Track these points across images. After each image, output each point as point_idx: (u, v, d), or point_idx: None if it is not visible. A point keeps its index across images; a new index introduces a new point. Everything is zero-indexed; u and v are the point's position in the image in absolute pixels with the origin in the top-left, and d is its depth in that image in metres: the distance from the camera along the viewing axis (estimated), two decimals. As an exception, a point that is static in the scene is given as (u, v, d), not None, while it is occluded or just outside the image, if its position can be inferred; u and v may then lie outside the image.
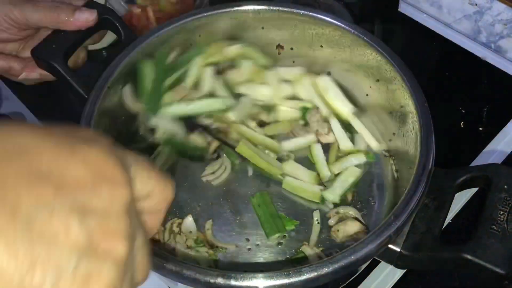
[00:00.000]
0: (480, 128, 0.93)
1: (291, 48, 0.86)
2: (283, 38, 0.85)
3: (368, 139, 0.82)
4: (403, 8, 1.12)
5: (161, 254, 0.58)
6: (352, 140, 0.83)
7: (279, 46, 0.86)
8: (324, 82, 0.84)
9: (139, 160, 0.36)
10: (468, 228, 0.80)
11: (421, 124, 0.69)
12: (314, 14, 0.80)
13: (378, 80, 0.79)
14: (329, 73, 0.86)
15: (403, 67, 0.74)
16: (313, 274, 0.56)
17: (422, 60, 1.05)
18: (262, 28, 0.84)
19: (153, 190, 0.37)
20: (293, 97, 0.87)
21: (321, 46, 0.84)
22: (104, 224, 0.30)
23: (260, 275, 0.56)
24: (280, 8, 0.81)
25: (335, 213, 0.74)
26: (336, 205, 0.76)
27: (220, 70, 0.85)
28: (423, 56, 1.06)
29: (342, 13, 1.04)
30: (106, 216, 0.30)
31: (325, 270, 0.56)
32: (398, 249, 0.61)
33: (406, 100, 0.72)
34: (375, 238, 0.59)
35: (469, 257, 0.57)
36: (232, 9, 0.81)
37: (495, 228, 0.59)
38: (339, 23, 0.79)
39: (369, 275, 0.75)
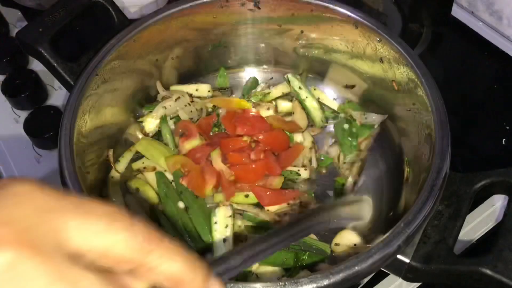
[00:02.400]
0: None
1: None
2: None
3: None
4: (456, 12, 1.06)
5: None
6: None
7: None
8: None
9: (92, 206, 0.32)
10: (487, 239, 0.73)
11: (436, 124, 0.63)
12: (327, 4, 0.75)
13: (393, 81, 0.73)
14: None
15: (420, 65, 0.68)
16: (311, 286, 0.50)
17: (470, 69, 0.99)
18: (279, 26, 0.80)
19: (116, 247, 0.32)
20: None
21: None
22: None
23: (258, 284, 0.51)
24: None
25: None
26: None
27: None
28: (471, 65, 1.00)
29: (391, 11, 0.99)
30: None
31: (325, 282, 0.50)
32: (407, 260, 0.56)
33: (420, 97, 0.66)
34: (382, 247, 0.53)
35: (488, 272, 0.51)
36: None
37: (518, 240, 0.53)
38: (353, 15, 0.74)
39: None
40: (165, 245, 0.34)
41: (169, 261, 0.34)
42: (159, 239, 0.34)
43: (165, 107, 0.79)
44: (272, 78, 0.87)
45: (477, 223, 0.75)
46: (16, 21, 1.04)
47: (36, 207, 0.31)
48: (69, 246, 0.31)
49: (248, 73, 0.88)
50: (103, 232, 0.32)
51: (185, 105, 0.80)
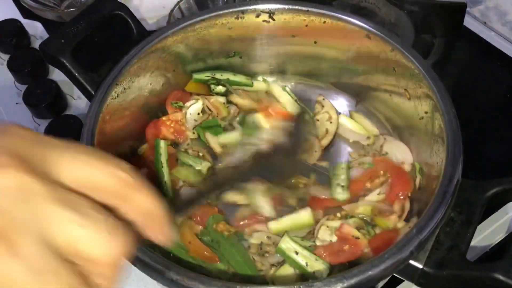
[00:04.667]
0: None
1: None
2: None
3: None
4: (469, 22, 1.06)
5: (162, 262, 0.54)
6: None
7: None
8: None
9: (70, 146, 0.34)
10: (499, 245, 0.73)
11: (448, 132, 0.64)
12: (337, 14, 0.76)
13: (405, 90, 0.74)
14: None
15: (430, 72, 0.69)
16: (325, 290, 0.51)
17: (483, 79, 0.99)
18: (293, 36, 0.81)
19: (99, 178, 0.34)
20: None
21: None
22: None
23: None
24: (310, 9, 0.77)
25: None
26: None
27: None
28: (484, 75, 1.00)
29: (403, 21, 1.00)
30: None
31: (338, 286, 0.51)
32: (420, 266, 0.56)
33: (432, 106, 0.67)
34: (395, 252, 0.54)
35: (500, 277, 0.52)
36: (251, 7, 0.78)
37: (530, 246, 0.53)
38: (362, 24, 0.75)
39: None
40: (140, 180, 0.36)
41: (145, 196, 0.36)
42: (135, 173, 0.36)
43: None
44: (285, 87, 0.88)
45: (491, 231, 0.75)
46: (37, 33, 1.07)
47: (27, 140, 0.33)
48: (62, 178, 0.33)
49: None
50: (84, 164, 0.34)
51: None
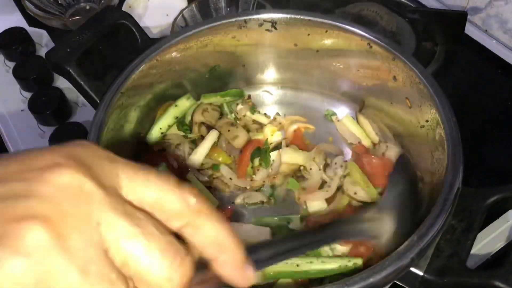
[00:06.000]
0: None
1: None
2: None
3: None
4: (470, 30, 1.07)
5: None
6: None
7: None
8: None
9: (131, 165, 0.33)
10: (499, 253, 0.74)
11: (448, 140, 0.64)
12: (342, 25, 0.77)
13: (406, 98, 0.75)
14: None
15: (431, 80, 0.70)
16: (326, 297, 0.51)
17: (484, 87, 0.99)
18: (295, 45, 0.82)
19: (167, 200, 0.32)
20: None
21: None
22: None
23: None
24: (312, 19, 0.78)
25: None
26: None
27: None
28: (486, 83, 1.00)
29: (405, 29, 1.01)
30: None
31: (340, 293, 0.52)
32: (421, 273, 0.57)
33: (433, 114, 0.68)
34: (396, 260, 0.54)
35: (501, 285, 0.52)
36: (254, 17, 0.79)
37: (529, 253, 0.54)
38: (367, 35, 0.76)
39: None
40: (210, 208, 0.34)
41: (216, 224, 0.33)
42: (205, 201, 0.34)
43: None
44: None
45: (492, 239, 0.75)
46: (42, 41, 1.08)
47: (96, 154, 0.32)
48: (130, 196, 0.32)
49: (266, 91, 0.90)
50: (154, 185, 0.32)
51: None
